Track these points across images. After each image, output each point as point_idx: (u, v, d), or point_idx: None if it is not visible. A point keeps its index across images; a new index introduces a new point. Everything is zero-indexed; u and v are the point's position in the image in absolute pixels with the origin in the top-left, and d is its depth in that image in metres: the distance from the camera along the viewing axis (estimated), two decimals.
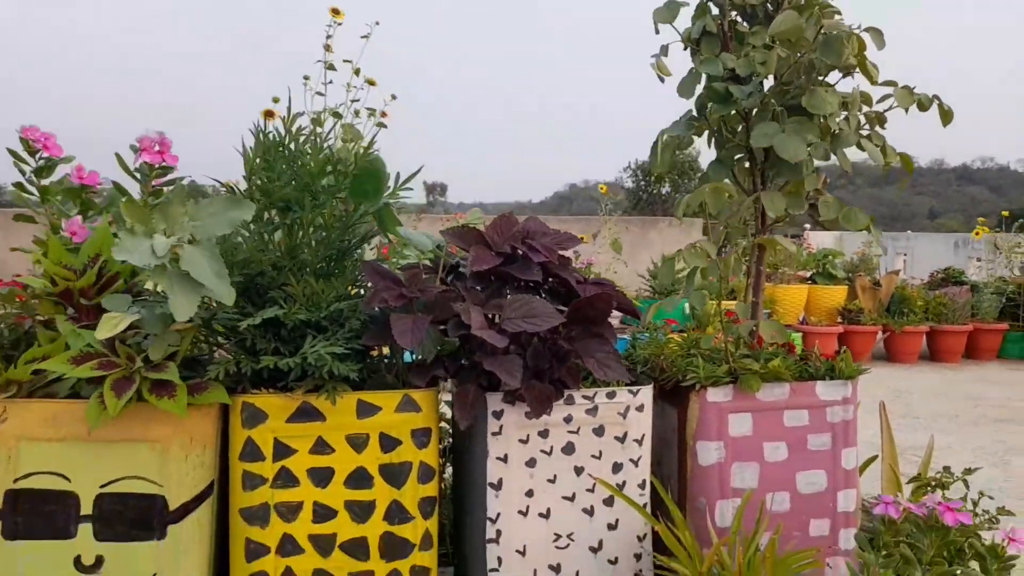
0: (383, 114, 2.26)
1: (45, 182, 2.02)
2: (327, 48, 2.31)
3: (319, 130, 1.99)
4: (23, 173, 2.03)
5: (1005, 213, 8.07)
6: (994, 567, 1.57)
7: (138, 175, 1.91)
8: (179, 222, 1.45)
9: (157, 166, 1.88)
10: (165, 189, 1.94)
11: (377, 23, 2.21)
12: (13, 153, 1.99)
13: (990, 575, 1.56)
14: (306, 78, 2.32)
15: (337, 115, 2.29)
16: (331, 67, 2.30)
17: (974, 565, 1.62)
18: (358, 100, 2.15)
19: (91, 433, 1.47)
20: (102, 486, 1.50)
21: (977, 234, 7.88)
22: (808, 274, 7.25)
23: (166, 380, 1.49)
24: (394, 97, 2.29)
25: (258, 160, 1.67)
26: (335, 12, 2.34)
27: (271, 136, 1.68)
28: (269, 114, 2.22)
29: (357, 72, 2.33)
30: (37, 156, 2.00)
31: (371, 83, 2.12)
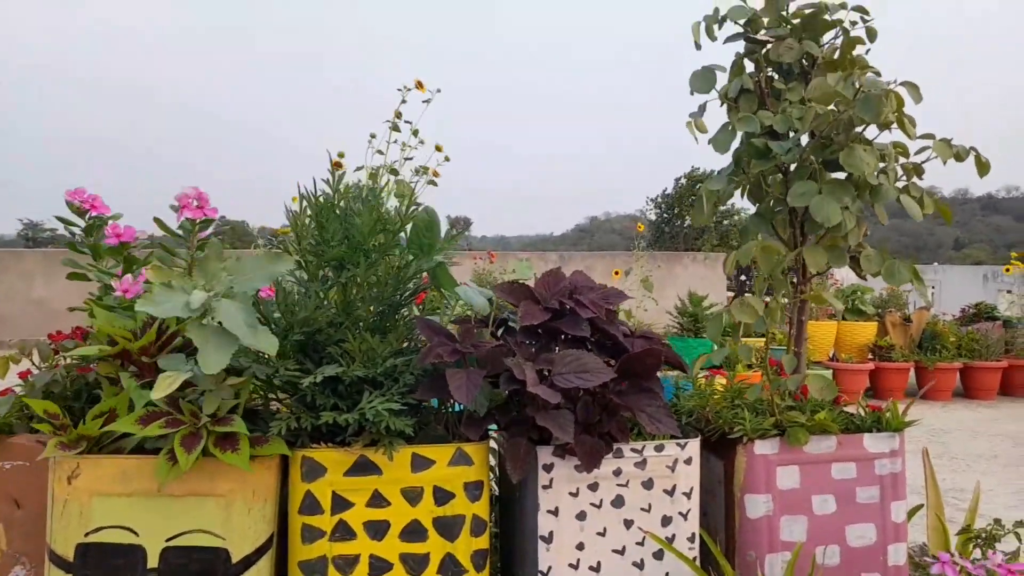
0: (435, 173, 2.32)
1: (93, 240, 2.08)
2: (398, 115, 2.35)
3: (370, 184, 2.06)
4: (72, 235, 2.09)
5: None
6: None
7: (181, 232, 1.94)
8: (217, 276, 1.50)
9: (199, 221, 1.90)
10: (212, 239, 1.99)
11: (439, 91, 2.28)
12: (61, 219, 2.06)
13: None
14: (372, 136, 2.39)
15: (394, 172, 2.35)
16: (396, 128, 2.36)
17: None
18: (412, 158, 2.21)
19: (159, 489, 1.52)
20: (168, 539, 1.55)
21: (1008, 270, 7.80)
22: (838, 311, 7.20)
23: (231, 433, 1.54)
24: (447, 159, 2.35)
25: (307, 220, 1.73)
26: (420, 85, 2.40)
27: (322, 197, 1.74)
28: (338, 165, 2.29)
29: (415, 133, 2.40)
30: (87, 216, 2.06)
31: (439, 149, 2.19)
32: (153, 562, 1.54)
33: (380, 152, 2.24)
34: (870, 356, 6.86)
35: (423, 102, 2.18)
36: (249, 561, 1.57)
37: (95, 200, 2.08)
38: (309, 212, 1.69)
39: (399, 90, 2.19)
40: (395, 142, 2.12)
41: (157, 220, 1.96)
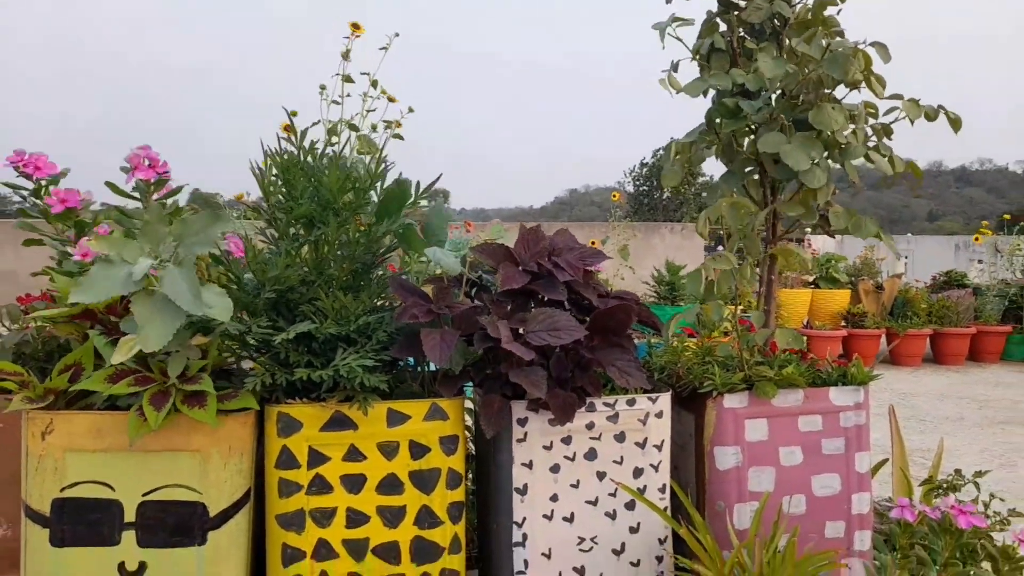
0: (398, 125, 2.30)
1: (43, 204, 2.01)
2: (345, 56, 2.32)
3: (334, 141, 2.04)
4: (23, 200, 2.03)
5: (1007, 216, 8.12)
6: (1006, 568, 1.63)
7: (137, 194, 1.88)
8: (163, 241, 1.47)
9: (153, 181, 1.85)
10: (167, 202, 1.94)
11: (397, 35, 2.24)
12: (9, 184, 1.97)
13: (1002, 575, 1.62)
14: (322, 87, 2.36)
15: (353, 127, 2.33)
16: (348, 79, 2.33)
17: (986, 566, 1.67)
18: (374, 110, 2.19)
19: (133, 444, 1.53)
20: (145, 494, 1.56)
21: (977, 239, 7.94)
22: (812, 278, 7.31)
23: (199, 391, 1.55)
24: (411, 110, 2.32)
25: (274, 178, 1.72)
26: (355, 27, 2.37)
27: (286, 154, 1.73)
28: (288, 128, 2.26)
29: (375, 84, 2.37)
30: (33, 179, 1.98)
31: (391, 100, 2.17)
32: (130, 516, 1.55)
33: (336, 102, 2.20)
34: (843, 323, 6.99)
35: (380, 49, 2.15)
36: (226, 515, 1.59)
37: (38, 161, 1.98)
38: (275, 171, 1.68)
39: (346, 38, 2.15)
40: (348, 96, 2.08)
41: (109, 184, 1.90)
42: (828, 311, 7.03)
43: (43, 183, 2.00)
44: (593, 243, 6.72)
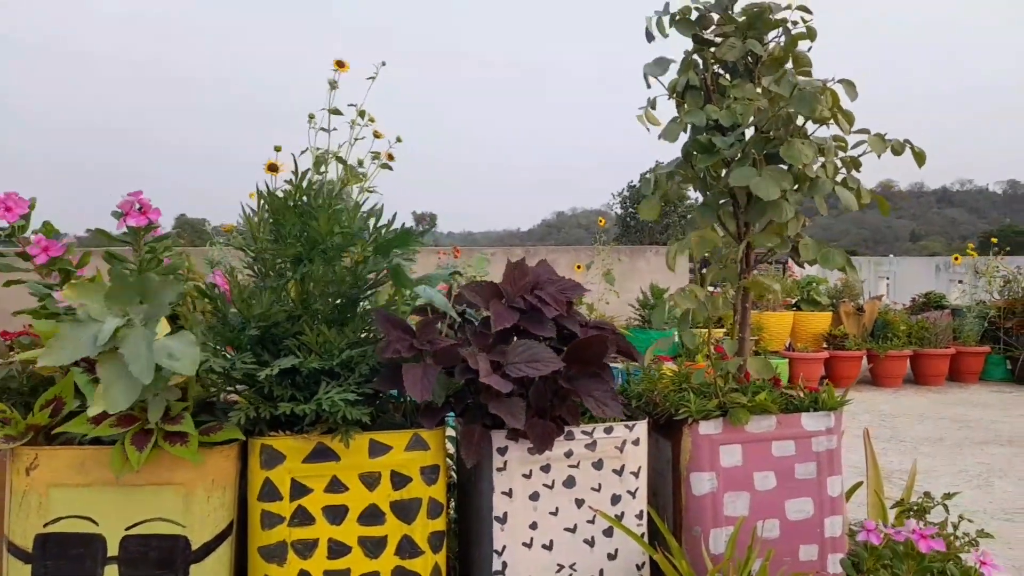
0: (389, 156, 2.34)
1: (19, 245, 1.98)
2: (332, 84, 2.35)
3: (320, 178, 2.08)
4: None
5: (994, 240, 8.25)
6: None
7: (129, 240, 1.87)
8: (130, 302, 1.49)
9: (143, 227, 1.84)
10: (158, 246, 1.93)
11: (384, 63, 2.29)
12: None
13: None
14: (311, 116, 2.39)
15: (340, 159, 2.37)
16: (336, 111, 2.37)
17: None
18: (363, 138, 2.22)
19: (119, 478, 1.55)
20: (127, 528, 1.58)
21: (957, 259, 8.07)
22: (793, 301, 7.40)
23: (182, 430, 1.58)
24: (399, 139, 2.36)
25: (265, 215, 1.76)
26: (339, 64, 2.42)
27: (279, 194, 1.77)
28: (273, 168, 2.30)
29: (362, 114, 2.41)
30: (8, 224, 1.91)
31: (377, 136, 2.22)
32: (113, 550, 1.57)
33: (324, 130, 2.24)
34: (825, 345, 7.06)
35: (367, 79, 2.20)
36: (209, 548, 1.61)
37: (8, 201, 1.92)
38: (267, 209, 1.73)
39: (334, 70, 2.20)
40: (335, 129, 2.13)
41: (100, 231, 1.91)
42: (810, 333, 7.11)
43: (15, 227, 1.97)
44: (578, 267, 6.79)
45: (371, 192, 2.51)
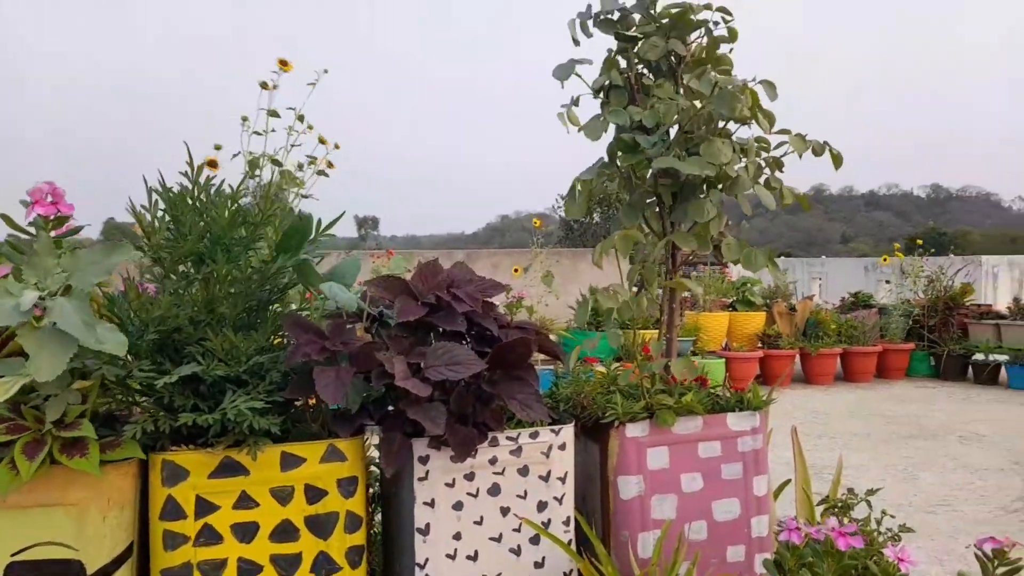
0: (328, 164, 2.26)
1: None
2: (264, 85, 2.27)
3: (256, 174, 1.99)
4: None
5: (918, 241, 8.56)
6: None
7: (33, 230, 1.81)
8: (51, 273, 1.42)
9: (52, 217, 1.76)
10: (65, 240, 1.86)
11: (326, 71, 2.23)
12: None
13: None
14: (244, 119, 2.29)
15: (276, 162, 2.28)
16: (274, 114, 2.27)
17: None
18: (299, 144, 2.15)
19: (5, 499, 1.43)
20: (13, 555, 1.45)
21: (885, 260, 8.36)
22: (729, 301, 7.54)
23: (79, 438, 1.46)
24: (337, 146, 2.30)
25: (161, 213, 1.66)
26: (283, 64, 2.33)
27: (176, 188, 1.67)
28: (212, 164, 2.20)
29: (301, 119, 2.32)
30: None
31: (322, 141, 2.15)
32: None
33: (257, 133, 2.16)
34: (759, 344, 7.21)
35: (308, 84, 2.13)
36: (107, 572, 1.50)
37: None
38: (162, 206, 1.63)
39: (274, 72, 2.13)
40: (273, 131, 2.06)
41: (4, 216, 1.82)
42: (745, 333, 7.24)
43: None
44: (516, 270, 6.76)
45: (306, 197, 2.43)
